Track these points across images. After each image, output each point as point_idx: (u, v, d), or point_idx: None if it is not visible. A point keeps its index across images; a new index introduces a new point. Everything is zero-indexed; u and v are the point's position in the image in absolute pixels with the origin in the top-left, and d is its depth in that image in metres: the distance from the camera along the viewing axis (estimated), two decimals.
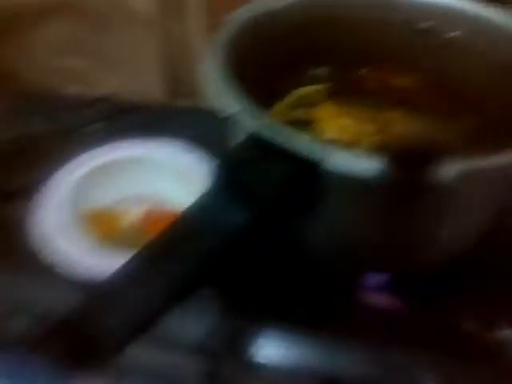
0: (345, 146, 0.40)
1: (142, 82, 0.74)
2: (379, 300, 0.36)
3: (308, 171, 0.25)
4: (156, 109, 0.63)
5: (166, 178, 0.47)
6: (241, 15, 0.37)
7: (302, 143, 0.25)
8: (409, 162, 0.25)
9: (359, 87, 0.46)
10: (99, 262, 0.37)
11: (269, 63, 0.40)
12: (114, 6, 0.68)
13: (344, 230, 0.32)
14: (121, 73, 0.74)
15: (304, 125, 0.45)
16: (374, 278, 0.35)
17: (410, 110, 0.45)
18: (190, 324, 0.36)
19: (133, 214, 0.45)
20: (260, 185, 0.25)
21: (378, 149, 0.40)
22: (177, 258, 0.23)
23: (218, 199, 0.25)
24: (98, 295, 0.23)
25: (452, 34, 0.38)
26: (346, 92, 0.46)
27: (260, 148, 0.26)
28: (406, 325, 0.36)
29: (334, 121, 0.44)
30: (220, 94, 0.29)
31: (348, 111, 0.46)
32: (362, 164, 0.24)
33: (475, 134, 0.40)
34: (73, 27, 0.68)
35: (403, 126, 0.45)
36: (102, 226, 0.44)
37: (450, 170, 0.23)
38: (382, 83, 0.45)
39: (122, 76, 0.75)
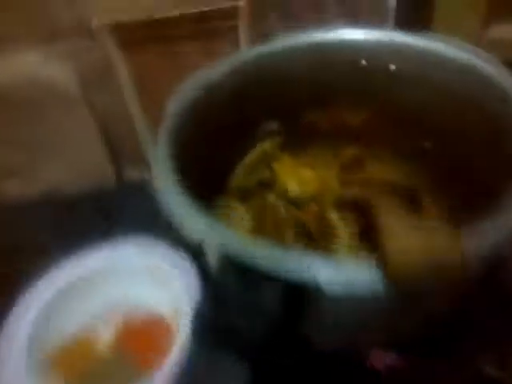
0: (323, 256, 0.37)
1: (86, 163, 0.69)
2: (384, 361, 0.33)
3: (297, 292, 0.22)
4: (108, 197, 0.59)
5: (134, 281, 0.41)
6: (181, 95, 0.34)
7: (279, 261, 0.22)
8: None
9: (312, 131, 0.44)
10: None
11: (220, 130, 0.38)
12: (40, 91, 0.64)
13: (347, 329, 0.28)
14: (62, 160, 0.70)
15: (267, 185, 0.42)
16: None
17: (369, 145, 0.43)
18: None
19: (106, 336, 0.39)
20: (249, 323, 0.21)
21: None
22: None
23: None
24: None
25: (393, 67, 0.37)
26: (300, 139, 0.45)
27: (241, 274, 0.22)
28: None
29: (294, 174, 0.42)
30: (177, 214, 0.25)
31: (306, 161, 0.44)
32: (353, 280, 0.21)
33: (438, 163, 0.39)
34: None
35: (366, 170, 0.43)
36: (73, 364, 0.37)
37: None
38: (335, 122, 0.43)
39: (64, 163, 0.70)
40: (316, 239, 0.38)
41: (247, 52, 0.39)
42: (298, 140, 0.45)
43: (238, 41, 0.59)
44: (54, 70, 0.62)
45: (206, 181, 0.37)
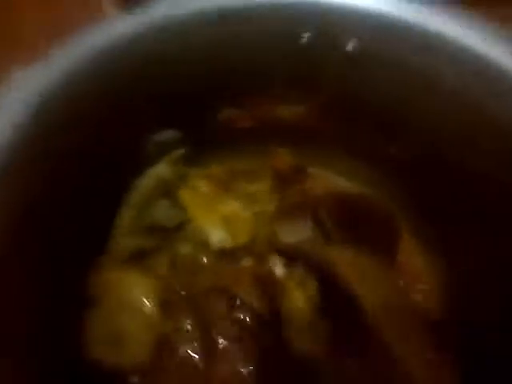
0: None
1: None
2: None
3: None
4: None
5: None
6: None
7: None
8: None
9: (229, 132, 0.29)
10: None
11: (80, 160, 0.21)
12: None
13: None
14: None
15: (173, 231, 0.28)
16: None
17: (310, 148, 0.31)
18: None
19: None
20: None
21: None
22: None
23: None
24: None
25: (351, 46, 0.23)
26: (213, 145, 0.30)
27: None
28: None
29: (213, 210, 0.28)
30: None
31: (224, 174, 0.30)
32: None
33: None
34: None
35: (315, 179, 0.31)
36: None
37: None
38: (262, 119, 0.29)
39: None
40: (259, 314, 0.26)
41: (116, 26, 0.21)
42: (207, 147, 0.30)
43: None
44: None
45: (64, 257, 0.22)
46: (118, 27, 0.22)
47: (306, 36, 0.24)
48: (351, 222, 0.27)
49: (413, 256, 0.28)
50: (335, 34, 0.23)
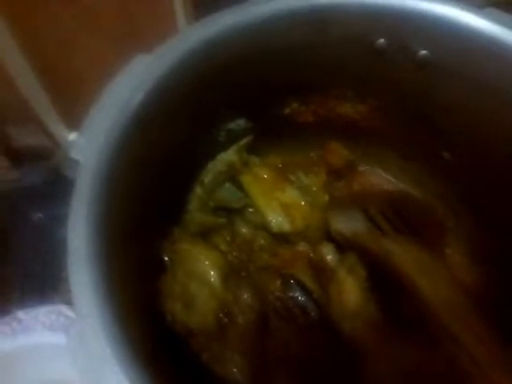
0: None
1: None
2: None
3: None
4: None
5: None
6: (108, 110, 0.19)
7: None
8: None
9: (291, 125, 0.31)
10: None
11: (165, 145, 0.24)
12: None
13: None
14: None
15: (235, 212, 0.30)
16: None
17: (366, 145, 0.33)
18: None
19: None
20: None
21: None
22: None
23: None
24: None
25: (422, 53, 0.25)
26: (274, 136, 0.32)
27: None
28: None
29: (273, 196, 0.30)
30: None
31: (282, 164, 0.32)
32: None
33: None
34: None
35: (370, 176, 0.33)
36: None
37: None
38: (323, 115, 0.31)
39: None
40: (311, 294, 0.28)
41: (202, 28, 0.24)
42: (269, 137, 0.33)
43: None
44: None
45: (148, 217, 0.25)
46: (206, 31, 0.24)
47: (380, 41, 0.26)
48: (400, 216, 0.29)
49: (457, 253, 0.30)
50: (408, 40, 0.25)
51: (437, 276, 0.23)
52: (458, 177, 0.30)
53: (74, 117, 0.52)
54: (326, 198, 0.32)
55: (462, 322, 0.20)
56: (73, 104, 0.50)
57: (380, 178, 0.34)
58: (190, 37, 0.24)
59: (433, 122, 0.29)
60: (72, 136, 0.54)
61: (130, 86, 0.21)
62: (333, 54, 0.27)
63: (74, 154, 0.19)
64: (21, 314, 0.30)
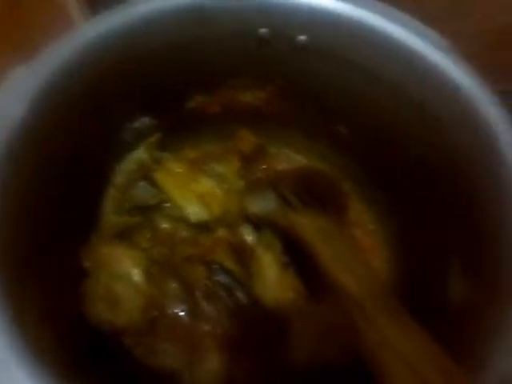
0: None
1: None
2: None
3: None
4: None
5: None
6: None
7: None
8: None
9: (198, 118, 0.33)
10: None
11: (68, 146, 0.24)
12: None
13: None
14: None
15: (151, 207, 0.31)
16: None
17: (270, 129, 0.35)
18: None
19: None
20: None
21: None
22: None
23: None
24: None
25: (302, 38, 0.27)
26: (183, 130, 0.33)
27: None
28: None
29: (188, 190, 0.31)
30: None
31: (195, 157, 0.34)
32: None
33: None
34: None
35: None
36: None
37: None
38: (227, 105, 0.33)
39: None
40: (234, 275, 0.30)
41: (88, 28, 0.24)
42: (180, 132, 0.33)
43: None
44: None
45: (63, 229, 0.25)
46: (96, 27, 0.24)
47: (262, 32, 0.27)
48: (308, 191, 0.31)
49: (361, 216, 0.33)
50: (288, 28, 0.27)
51: (338, 241, 0.26)
52: (355, 147, 0.33)
53: None
54: (241, 183, 0.34)
55: (357, 282, 0.22)
56: None
57: (289, 157, 0.36)
58: (78, 36, 0.24)
59: (323, 100, 0.31)
60: None
61: (13, 96, 0.21)
62: (222, 46, 0.28)
63: None
64: None
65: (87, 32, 0.24)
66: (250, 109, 0.33)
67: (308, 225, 0.27)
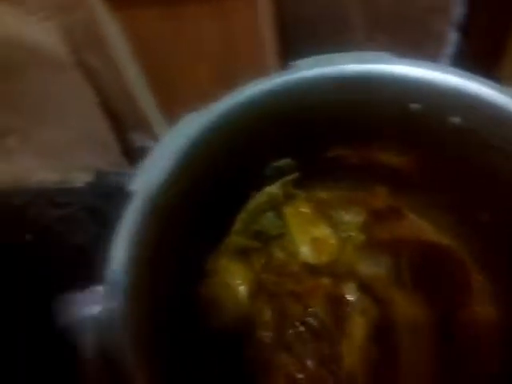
0: None
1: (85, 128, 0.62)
2: None
3: None
4: None
5: None
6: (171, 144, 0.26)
7: None
8: None
9: (337, 166, 0.34)
10: None
11: (216, 177, 0.30)
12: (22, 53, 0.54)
13: None
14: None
15: (274, 238, 0.34)
16: None
17: (406, 193, 0.34)
18: None
19: None
20: None
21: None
22: None
23: None
24: None
25: (454, 120, 0.26)
26: (319, 174, 0.35)
27: None
28: None
29: (308, 231, 0.33)
30: None
31: (326, 199, 0.35)
32: None
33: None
34: None
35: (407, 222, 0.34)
36: None
37: None
38: (367, 160, 0.33)
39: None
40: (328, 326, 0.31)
41: (261, 84, 0.28)
42: (316, 175, 0.36)
43: (255, 2, 0.46)
44: (37, 29, 0.51)
45: (194, 238, 0.31)
46: (267, 83, 0.28)
47: (414, 106, 0.27)
48: (425, 271, 0.30)
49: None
50: (440, 108, 0.26)
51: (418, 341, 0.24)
52: (496, 234, 0.30)
53: None
54: (362, 237, 0.34)
55: None
56: (177, 116, 0.60)
57: (419, 226, 0.35)
58: (245, 91, 0.29)
59: (470, 183, 0.29)
60: None
61: (184, 133, 0.27)
62: (373, 112, 0.29)
63: (131, 185, 0.25)
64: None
65: (259, 86, 0.28)
66: (390, 168, 0.33)
67: (404, 312, 0.26)
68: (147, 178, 0.25)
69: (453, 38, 0.47)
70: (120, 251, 0.23)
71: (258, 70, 0.49)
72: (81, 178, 0.67)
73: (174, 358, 0.28)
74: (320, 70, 0.27)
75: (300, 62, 0.27)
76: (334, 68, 0.27)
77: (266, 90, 0.28)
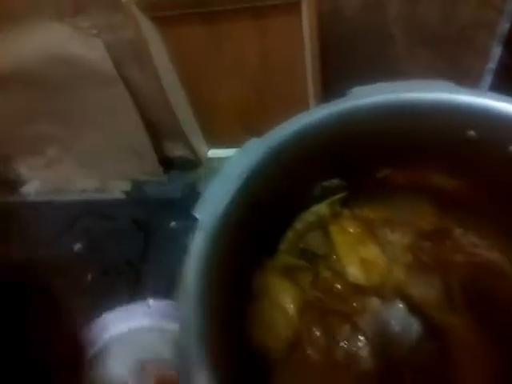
0: None
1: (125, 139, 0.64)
2: None
3: None
4: None
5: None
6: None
7: None
8: None
9: (385, 186, 0.34)
10: None
11: (271, 199, 0.30)
12: (70, 68, 0.56)
13: None
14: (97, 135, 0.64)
15: (320, 257, 0.35)
16: None
17: (457, 214, 0.34)
18: None
19: None
20: None
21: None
22: None
23: None
24: None
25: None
26: (367, 194, 0.35)
27: None
28: None
29: (356, 251, 0.34)
30: None
31: (368, 225, 0.36)
32: None
33: None
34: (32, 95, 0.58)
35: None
36: None
37: None
38: (417, 181, 0.33)
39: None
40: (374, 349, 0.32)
41: (317, 113, 0.29)
42: (364, 194, 0.36)
43: (301, 17, 0.46)
44: (83, 45, 0.53)
45: (243, 254, 0.31)
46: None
47: (470, 133, 0.27)
48: (478, 296, 0.30)
49: None
50: (496, 136, 0.26)
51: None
52: None
53: (212, 138, 0.63)
54: (409, 258, 0.34)
55: None
56: (213, 128, 0.61)
57: (470, 248, 0.34)
58: (299, 121, 0.29)
59: None
60: (210, 153, 0.65)
61: (242, 161, 0.28)
62: (429, 137, 0.29)
63: (196, 213, 0.26)
64: (151, 301, 0.40)
65: (312, 114, 0.29)
66: (439, 190, 0.33)
67: (460, 338, 0.26)
68: (211, 205, 0.26)
69: (497, 53, 0.46)
70: (191, 271, 0.24)
71: (298, 85, 0.50)
72: (118, 186, 0.69)
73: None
74: (376, 99, 0.28)
75: (356, 90, 0.28)
76: (390, 96, 0.28)
77: (321, 118, 0.28)
